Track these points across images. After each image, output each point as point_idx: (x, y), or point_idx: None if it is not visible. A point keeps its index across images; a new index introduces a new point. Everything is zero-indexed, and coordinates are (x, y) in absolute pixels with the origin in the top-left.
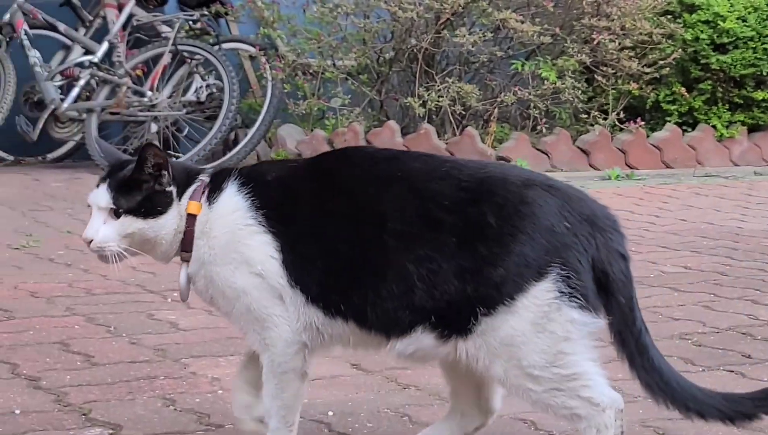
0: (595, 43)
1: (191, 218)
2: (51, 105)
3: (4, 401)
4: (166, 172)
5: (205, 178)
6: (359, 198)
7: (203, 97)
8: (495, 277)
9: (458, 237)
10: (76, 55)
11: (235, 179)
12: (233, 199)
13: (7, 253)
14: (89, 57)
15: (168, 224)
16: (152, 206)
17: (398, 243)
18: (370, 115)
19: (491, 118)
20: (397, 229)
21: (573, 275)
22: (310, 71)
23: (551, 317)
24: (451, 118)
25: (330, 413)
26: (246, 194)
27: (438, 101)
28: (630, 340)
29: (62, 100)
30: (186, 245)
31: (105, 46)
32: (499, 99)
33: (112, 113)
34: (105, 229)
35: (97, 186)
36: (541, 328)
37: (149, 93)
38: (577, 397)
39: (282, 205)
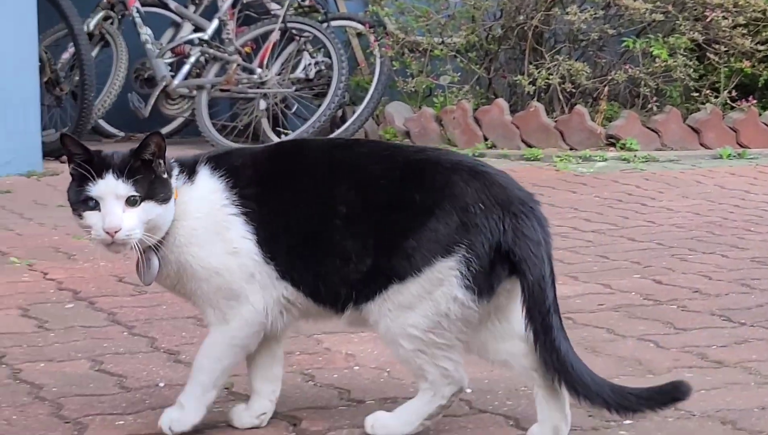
0: (707, 20)
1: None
2: (162, 82)
3: (147, 374)
4: (162, 161)
5: (176, 163)
6: (313, 180)
7: (312, 75)
8: (408, 248)
9: (386, 212)
10: (186, 32)
11: (206, 164)
12: (209, 181)
13: None
14: (199, 34)
15: (172, 210)
16: (163, 192)
17: (342, 222)
18: (479, 93)
19: (601, 96)
20: (342, 209)
21: (474, 260)
22: (419, 49)
23: (443, 291)
24: (560, 96)
25: (468, 391)
26: (220, 177)
27: (548, 79)
28: (537, 318)
29: (173, 77)
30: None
31: (215, 23)
32: (609, 77)
33: (222, 90)
34: (129, 217)
35: (98, 177)
36: (431, 297)
37: (259, 70)
38: (435, 365)
39: (251, 187)
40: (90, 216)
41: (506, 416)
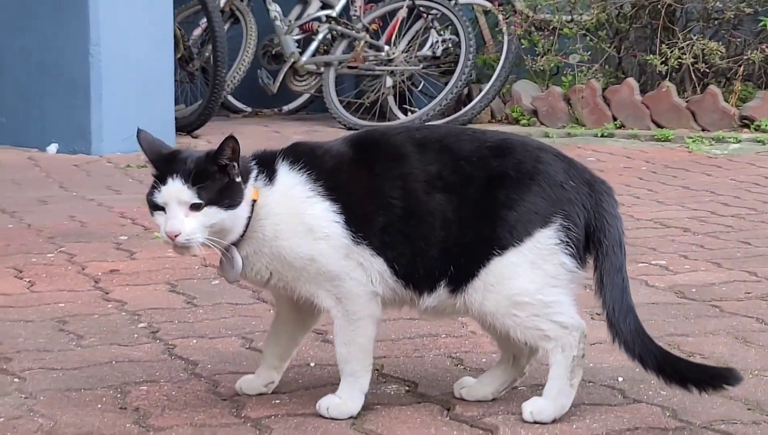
0: None
1: (252, 203)
2: (290, 58)
3: (297, 354)
4: (236, 164)
5: (253, 162)
6: (404, 159)
7: (439, 52)
8: (510, 220)
9: (483, 187)
10: (314, 9)
11: (284, 159)
12: (289, 176)
13: None
14: (327, 11)
15: (242, 213)
16: (231, 197)
17: (441, 195)
18: (607, 72)
19: (735, 77)
20: (438, 184)
21: (572, 227)
22: (548, 27)
23: (546, 259)
24: (693, 76)
25: (620, 379)
26: (300, 169)
27: (680, 58)
28: (608, 281)
29: (301, 53)
30: (245, 230)
31: (343, 0)
32: (744, 57)
33: (349, 67)
34: (190, 222)
35: (165, 181)
36: (537, 266)
37: (386, 47)
38: (550, 322)
39: (334, 175)
40: (157, 217)
41: (662, 406)
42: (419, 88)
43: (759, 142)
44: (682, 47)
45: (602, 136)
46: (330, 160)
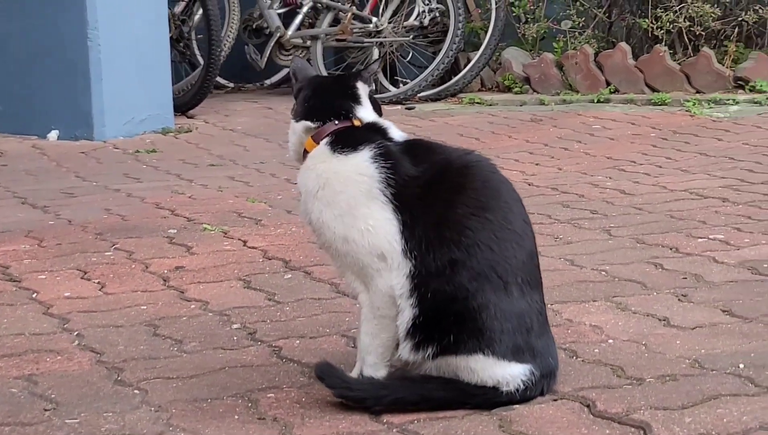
0: None
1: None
2: (276, 33)
3: None
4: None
5: (345, 122)
6: (489, 205)
7: (426, 22)
8: None
9: None
10: None
11: (373, 149)
12: (366, 165)
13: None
14: None
15: (290, 132)
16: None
17: (518, 247)
18: (597, 37)
19: (731, 39)
20: (522, 239)
21: None
22: None
23: None
24: (686, 39)
25: (741, 365)
26: (382, 167)
27: (675, 21)
28: None
29: (285, 27)
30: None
31: None
32: (739, 18)
33: (337, 40)
34: None
35: None
36: None
37: (374, 19)
38: None
39: (412, 190)
40: None
41: None
42: (408, 59)
43: (756, 103)
44: (677, 10)
45: (598, 101)
46: (413, 176)
